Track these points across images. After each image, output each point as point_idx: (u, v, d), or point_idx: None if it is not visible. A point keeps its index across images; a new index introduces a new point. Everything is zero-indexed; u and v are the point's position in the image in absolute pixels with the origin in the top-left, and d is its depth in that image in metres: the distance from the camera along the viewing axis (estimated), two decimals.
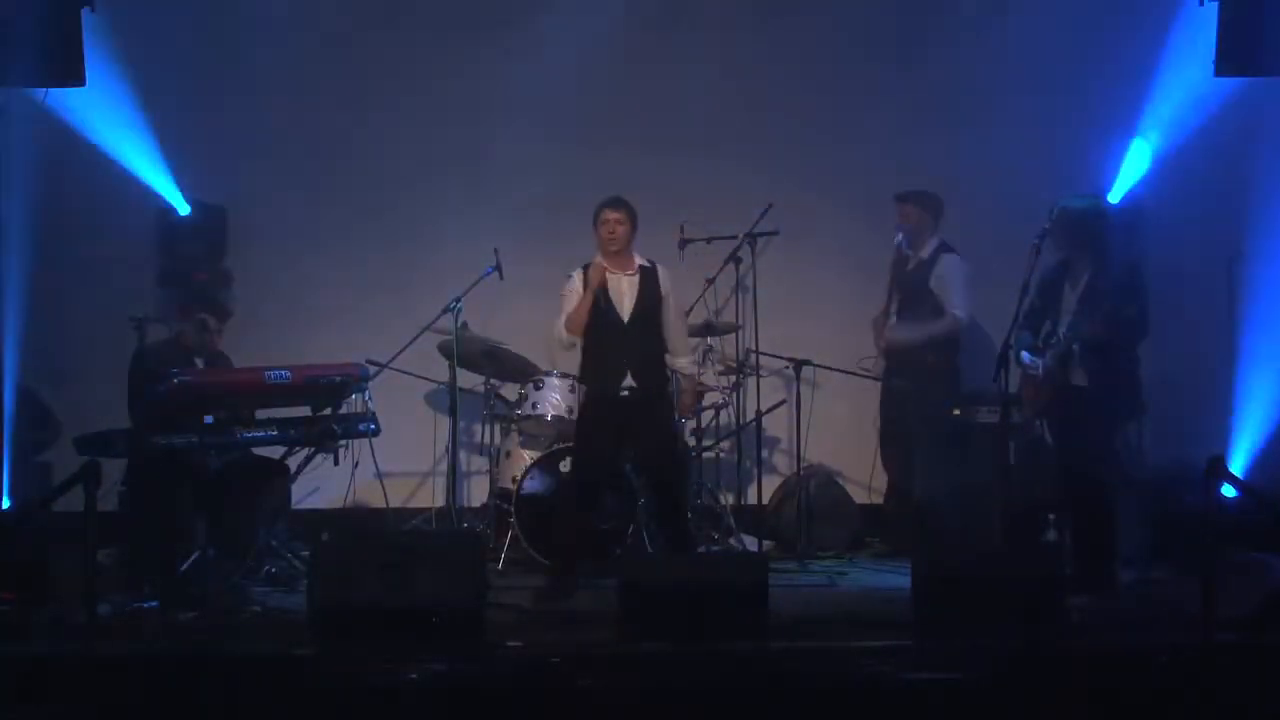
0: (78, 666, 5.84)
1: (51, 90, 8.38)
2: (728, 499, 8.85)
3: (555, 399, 8.23)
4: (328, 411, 7.44)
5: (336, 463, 7.60)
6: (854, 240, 9.07)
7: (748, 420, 8.45)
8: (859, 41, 9.18)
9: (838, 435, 8.93)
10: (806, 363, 8.50)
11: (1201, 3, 8.23)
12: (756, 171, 8.96)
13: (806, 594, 7.48)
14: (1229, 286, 8.89)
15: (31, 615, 6.67)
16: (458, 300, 8.25)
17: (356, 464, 7.76)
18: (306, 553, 7.12)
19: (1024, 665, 5.96)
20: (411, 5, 9.20)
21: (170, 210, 8.91)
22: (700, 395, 8.44)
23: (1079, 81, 8.97)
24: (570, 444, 7.84)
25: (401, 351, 8.32)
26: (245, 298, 8.87)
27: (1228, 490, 6.71)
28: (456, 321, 8.27)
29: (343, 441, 7.52)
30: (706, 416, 8.83)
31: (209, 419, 7.24)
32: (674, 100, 9.18)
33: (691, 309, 8.18)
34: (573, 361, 7.72)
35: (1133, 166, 8.59)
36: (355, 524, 8.54)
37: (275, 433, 7.45)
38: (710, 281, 8.30)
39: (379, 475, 7.94)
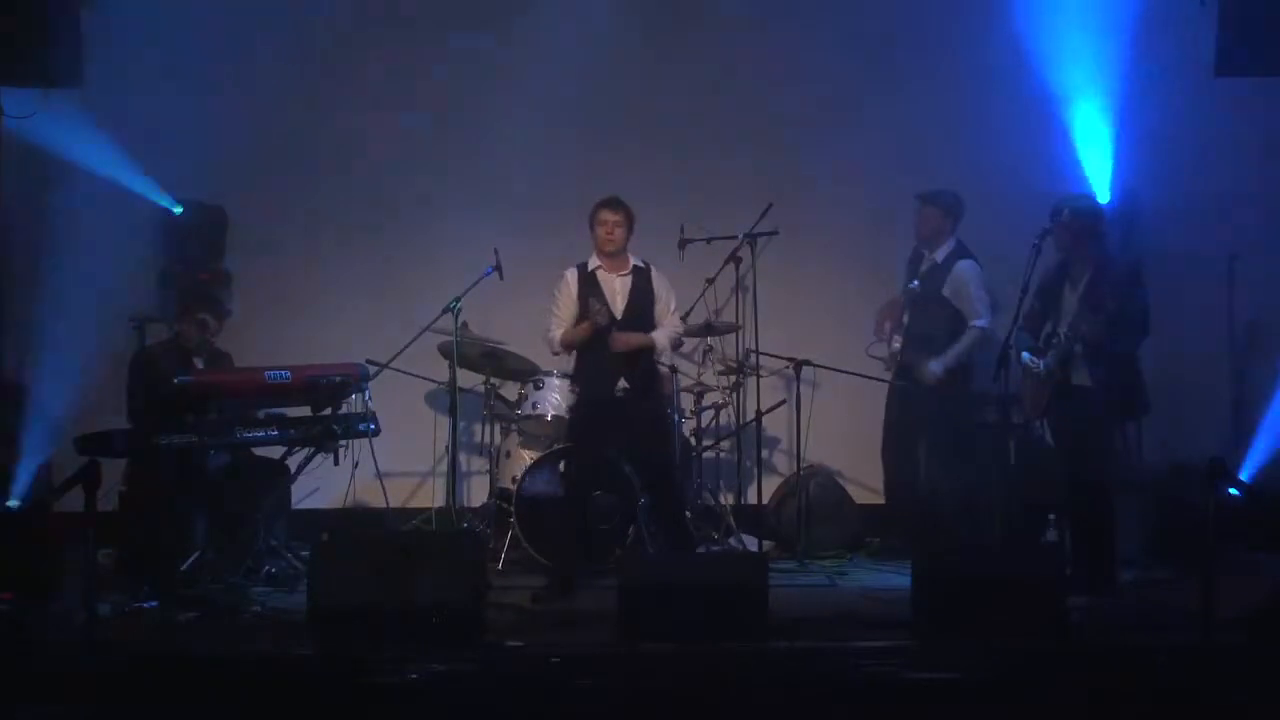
0: (78, 666, 5.84)
1: (51, 90, 8.38)
2: (728, 499, 8.85)
3: (555, 399, 8.23)
4: (328, 411, 7.44)
5: (336, 463, 7.59)
6: (854, 240, 9.07)
7: (748, 420, 8.45)
8: (859, 41, 9.17)
9: (838, 435, 8.92)
10: (806, 363, 8.50)
11: (1202, 2, 8.23)
12: (756, 171, 8.96)
13: (806, 594, 7.47)
14: (1229, 286, 8.89)
15: (31, 615, 6.68)
16: (458, 300, 8.25)
17: (356, 464, 7.75)
18: (306, 553, 7.11)
19: (1024, 665, 5.97)
20: (412, 5, 9.20)
21: (170, 210, 8.91)
22: (678, 382, 8.46)
23: (1079, 82, 8.95)
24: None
25: (401, 351, 8.32)
26: (245, 298, 8.88)
27: (1228, 490, 6.71)
28: (456, 321, 8.27)
29: (343, 441, 7.51)
30: (706, 416, 8.84)
31: (208, 419, 7.24)
32: (674, 100, 9.18)
33: (692, 309, 8.18)
34: (573, 362, 7.74)
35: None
36: (355, 524, 8.54)
37: (275, 433, 7.44)
38: (710, 281, 8.30)
39: (379, 475, 7.93)
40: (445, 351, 8.40)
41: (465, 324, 8.39)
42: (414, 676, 5.82)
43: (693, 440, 8.60)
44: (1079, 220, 7.27)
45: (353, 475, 7.86)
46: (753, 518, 8.38)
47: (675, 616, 6.25)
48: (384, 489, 8.00)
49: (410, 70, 9.12)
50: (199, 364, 7.71)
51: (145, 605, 6.95)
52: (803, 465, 8.57)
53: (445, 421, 8.58)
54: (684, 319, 7.96)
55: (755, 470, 8.24)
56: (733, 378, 8.63)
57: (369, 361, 7.94)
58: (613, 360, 7.37)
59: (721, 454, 8.96)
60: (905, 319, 8.33)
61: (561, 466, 7.98)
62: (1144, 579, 7.53)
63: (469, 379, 8.64)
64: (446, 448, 8.51)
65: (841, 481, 8.89)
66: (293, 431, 7.46)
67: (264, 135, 9.03)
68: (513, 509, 8.02)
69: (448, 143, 9.11)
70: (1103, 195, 7.78)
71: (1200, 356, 8.85)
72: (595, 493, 7.82)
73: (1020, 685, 5.83)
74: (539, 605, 7.12)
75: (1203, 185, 8.87)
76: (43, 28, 8.03)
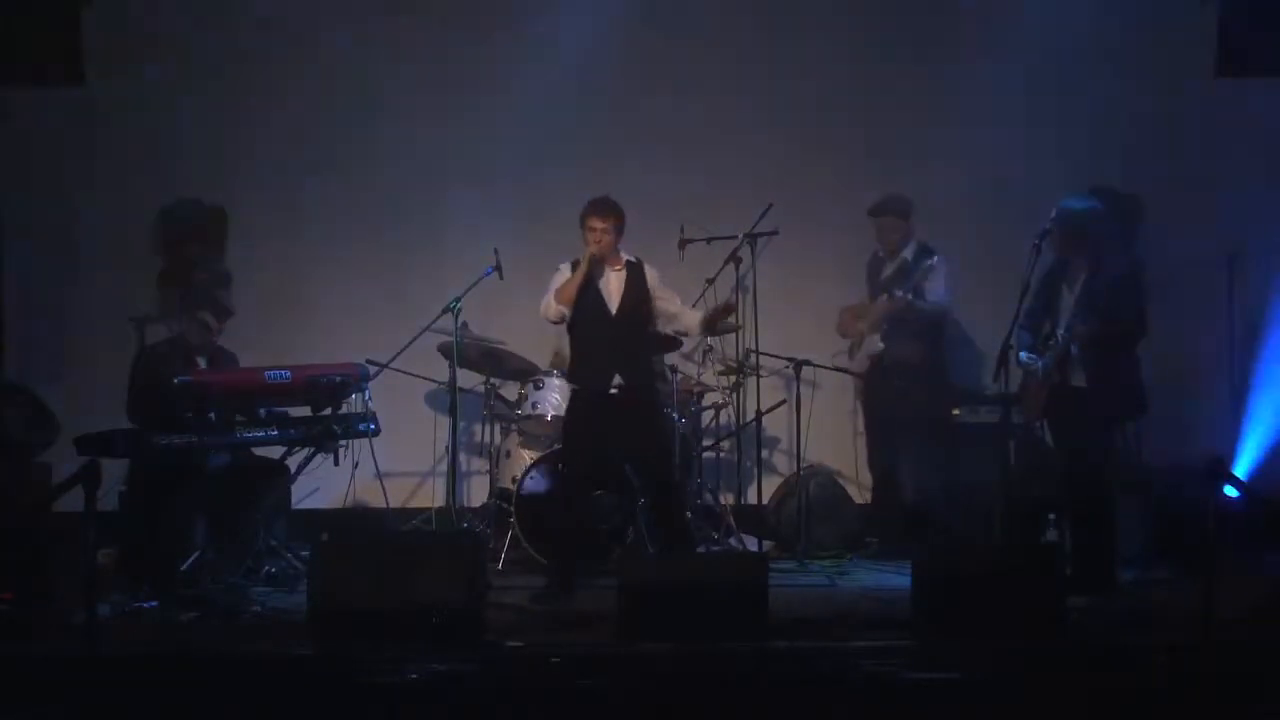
0: (78, 666, 5.84)
1: (51, 90, 8.39)
2: (728, 499, 8.85)
3: (555, 399, 8.23)
4: (328, 411, 7.44)
5: (336, 463, 7.59)
6: (854, 240, 9.03)
7: (748, 420, 8.45)
8: (860, 41, 9.17)
9: (838, 435, 8.92)
10: (806, 363, 8.50)
11: (1202, 2, 8.24)
12: (756, 171, 8.96)
13: (806, 594, 7.47)
14: (1229, 285, 8.89)
15: (31, 615, 6.67)
16: (458, 300, 8.25)
17: (356, 464, 7.75)
18: (306, 553, 7.11)
19: (1024, 665, 5.97)
20: (412, 6, 9.19)
21: (170, 210, 8.91)
22: (694, 392, 8.53)
23: (1079, 82, 8.97)
24: None
25: (401, 351, 8.32)
26: (245, 298, 8.87)
27: (1228, 490, 6.71)
28: (456, 321, 8.27)
29: (343, 441, 7.51)
30: (706, 416, 8.83)
31: (208, 418, 7.24)
32: (674, 100, 9.17)
33: (692, 307, 8.17)
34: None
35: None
36: (355, 524, 8.54)
37: (275, 433, 7.43)
38: (710, 281, 8.30)
39: (379, 475, 7.94)
40: (445, 351, 8.39)
41: (465, 324, 8.39)
42: (414, 676, 5.82)
43: (693, 440, 8.61)
44: (1076, 221, 7.26)
45: (353, 475, 7.87)
46: (753, 518, 8.38)
47: (675, 616, 6.24)
48: (384, 489, 8.01)
49: (410, 70, 9.11)
50: (202, 363, 7.71)
51: (145, 605, 6.95)
52: (803, 465, 8.57)
53: (445, 421, 8.58)
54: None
55: (755, 470, 8.24)
56: (733, 378, 8.63)
57: (369, 361, 7.94)
58: (606, 353, 7.37)
59: (721, 454, 8.96)
60: (884, 325, 8.36)
61: (560, 466, 7.97)
62: (1144, 579, 7.53)
63: (469, 379, 8.64)
64: (446, 448, 8.51)
65: (841, 481, 8.88)
66: (293, 431, 7.46)
67: (264, 135, 9.03)
68: (513, 509, 8.02)
69: (448, 143, 9.10)
70: (1101, 195, 7.78)
71: (1200, 356, 8.86)
72: (595, 493, 7.82)
73: (1020, 685, 5.83)
74: (539, 605, 7.11)
75: (1203, 185, 8.88)
76: (43, 28, 8.04)
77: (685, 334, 7.97)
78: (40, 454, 8.32)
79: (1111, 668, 6.01)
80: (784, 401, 8.59)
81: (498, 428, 8.68)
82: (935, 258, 8.26)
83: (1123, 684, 5.84)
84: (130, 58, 8.84)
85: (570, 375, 7.65)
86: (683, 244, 8.30)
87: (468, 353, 8.46)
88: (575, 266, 7.41)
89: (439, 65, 9.12)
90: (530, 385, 8.39)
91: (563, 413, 8.09)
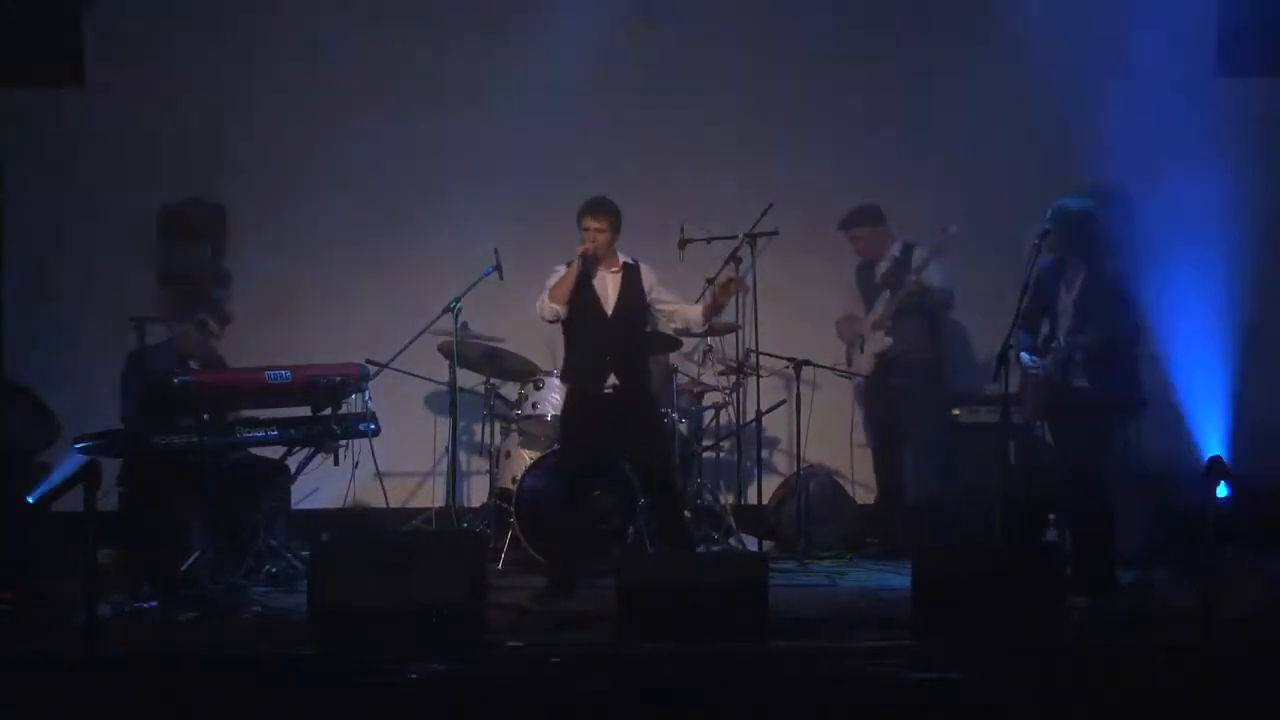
0: (78, 666, 5.84)
1: (52, 90, 8.38)
2: (728, 499, 8.85)
3: (555, 399, 8.22)
4: (328, 411, 7.44)
5: (336, 463, 7.61)
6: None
7: (748, 420, 8.44)
8: (860, 41, 9.17)
9: (838, 435, 8.91)
10: (806, 363, 8.50)
11: (1202, 2, 8.24)
12: (756, 172, 8.95)
13: (806, 594, 7.47)
14: (1229, 286, 8.88)
15: (31, 615, 6.68)
16: (458, 300, 8.25)
17: (356, 464, 7.76)
18: (306, 553, 7.12)
19: (1024, 665, 5.96)
20: (412, 5, 9.19)
21: (170, 210, 8.90)
22: (697, 392, 8.51)
23: (1079, 82, 8.96)
24: None
25: (401, 351, 8.32)
26: (245, 298, 8.88)
27: (1227, 489, 6.71)
28: (456, 321, 8.27)
29: (343, 441, 7.52)
30: (706, 416, 8.83)
31: (208, 419, 7.24)
32: (674, 100, 9.17)
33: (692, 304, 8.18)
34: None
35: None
36: (355, 524, 8.54)
37: (275, 433, 7.45)
38: (710, 281, 8.29)
39: (379, 475, 7.94)
40: (445, 351, 8.40)
41: (465, 324, 8.39)
42: (414, 676, 5.82)
43: (693, 440, 8.61)
44: (1074, 221, 7.27)
45: (353, 475, 7.87)
46: (753, 518, 8.38)
47: (675, 616, 6.25)
48: (384, 489, 8.01)
49: (411, 70, 9.11)
50: (194, 367, 7.70)
51: (145, 605, 6.95)
52: (803, 465, 8.57)
53: (445, 421, 8.58)
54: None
55: (755, 470, 8.24)
56: (733, 378, 8.63)
57: (369, 361, 7.94)
58: (601, 354, 7.37)
59: (721, 454, 8.96)
60: (889, 321, 8.37)
61: (559, 466, 7.97)
62: (1144, 579, 7.53)
63: (469, 379, 8.64)
64: (446, 448, 8.52)
65: (841, 481, 8.89)
66: (293, 431, 7.47)
67: (264, 136, 9.03)
68: (513, 509, 8.02)
69: (448, 143, 9.10)
70: (1100, 196, 7.78)
71: (1200, 357, 8.84)
72: (595, 493, 7.81)
73: (1020, 685, 5.83)
74: (539, 605, 7.11)
75: (1203, 185, 8.88)
76: (44, 28, 8.04)
77: (688, 330, 7.97)
78: (40, 454, 8.32)
79: (1111, 668, 6.01)
80: (784, 401, 8.59)
81: (498, 428, 8.68)
82: (919, 250, 8.30)
83: (1123, 684, 5.84)
84: (130, 58, 8.84)
85: (565, 375, 7.65)
86: (683, 244, 8.28)
87: (468, 353, 8.46)
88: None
89: (439, 65, 9.12)
90: (530, 385, 8.39)
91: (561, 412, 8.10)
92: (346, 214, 9.14)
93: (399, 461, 8.60)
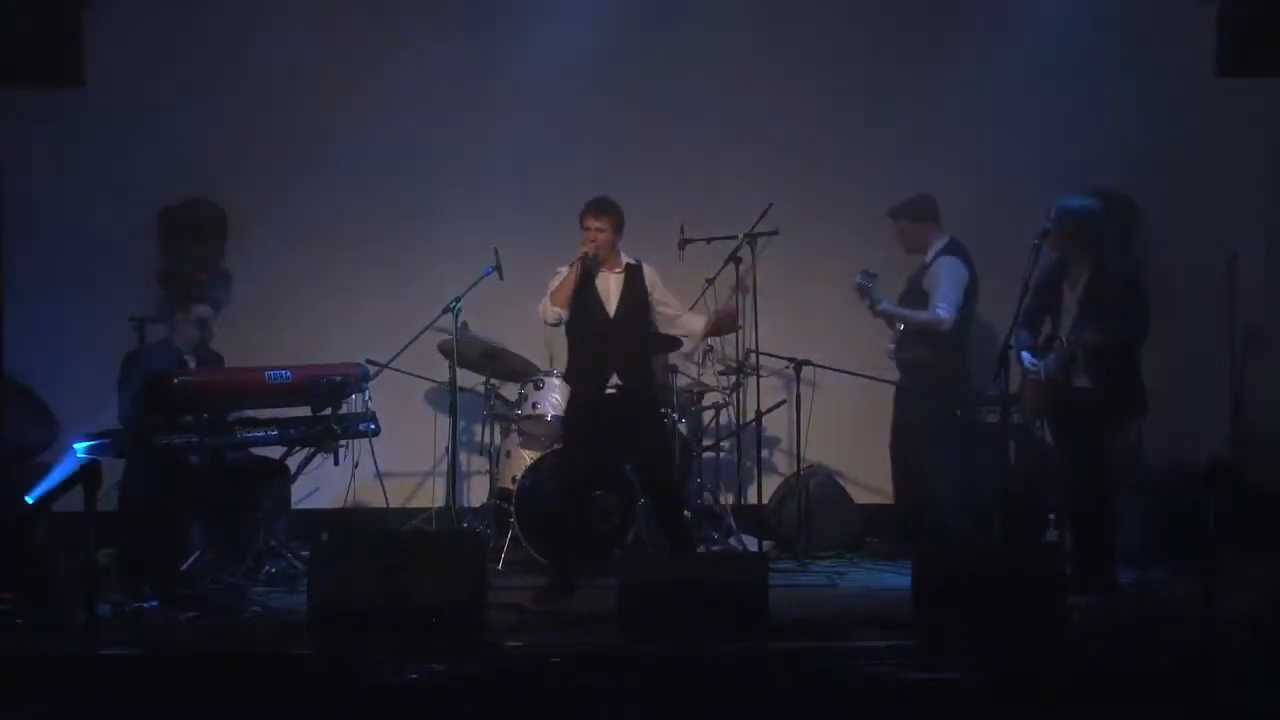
0: (78, 666, 5.84)
1: (52, 90, 8.38)
2: (728, 499, 8.85)
3: (555, 399, 8.22)
4: (328, 411, 7.44)
5: (336, 463, 7.61)
6: (855, 240, 9.04)
7: (748, 420, 8.45)
8: (860, 41, 9.17)
9: (838, 435, 8.92)
10: (806, 363, 8.50)
11: (1202, 2, 8.22)
12: (756, 172, 8.95)
13: (806, 594, 7.47)
14: (1229, 286, 8.89)
15: (31, 615, 6.67)
16: (458, 300, 8.25)
17: (356, 464, 7.76)
18: (306, 553, 7.12)
19: (1024, 665, 5.96)
20: (412, 5, 9.19)
21: (170, 210, 8.90)
22: (698, 394, 8.52)
23: (1079, 82, 8.97)
24: None
25: (401, 351, 8.32)
26: (245, 298, 8.87)
27: (1227, 490, 6.70)
28: (456, 321, 8.27)
29: (343, 441, 7.52)
30: (706, 416, 8.83)
31: (208, 419, 7.24)
32: (674, 100, 9.17)
33: (692, 309, 8.16)
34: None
35: None
36: (355, 524, 8.54)
37: (275, 433, 7.45)
38: (710, 281, 8.30)
39: (379, 475, 7.95)
40: (445, 351, 8.40)
41: (465, 324, 8.39)
42: (414, 676, 5.82)
43: (693, 440, 8.61)
44: (1075, 220, 7.26)
45: (353, 475, 7.88)
46: (753, 518, 8.38)
47: (675, 616, 6.25)
48: (384, 489, 8.02)
49: (411, 70, 9.10)
50: (191, 364, 7.71)
51: (145, 605, 6.95)
52: (803, 465, 8.57)
53: (445, 421, 8.58)
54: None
55: (755, 470, 8.24)
56: (733, 378, 8.63)
57: (369, 361, 7.95)
58: (604, 355, 7.37)
59: (721, 454, 8.96)
60: (900, 325, 8.36)
61: (560, 466, 7.97)
62: (1144, 579, 7.53)
63: (469, 379, 8.64)
64: (446, 448, 8.52)
65: (841, 481, 8.89)
66: (293, 431, 7.47)
67: (265, 135, 9.03)
68: (513, 509, 8.02)
69: (448, 143, 9.10)
70: (1101, 195, 7.78)
71: (1200, 356, 8.85)
72: (595, 493, 7.82)
73: (1020, 685, 5.83)
74: (539, 605, 7.11)
75: (1203, 185, 8.88)
76: (43, 28, 8.02)
77: (687, 337, 7.97)
78: (40, 454, 8.33)
79: (1111, 668, 6.01)
80: (784, 401, 8.59)
81: (498, 428, 8.68)
82: (945, 258, 8.20)
83: (1123, 684, 5.84)
84: (130, 58, 8.83)
85: (568, 376, 7.65)
86: (683, 244, 8.29)
87: (468, 353, 8.46)
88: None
89: (439, 65, 9.11)
90: (530, 385, 8.39)
91: (563, 413, 8.09)
92: (346, 213, 9.14)
93: (399, 461, 8.60)
